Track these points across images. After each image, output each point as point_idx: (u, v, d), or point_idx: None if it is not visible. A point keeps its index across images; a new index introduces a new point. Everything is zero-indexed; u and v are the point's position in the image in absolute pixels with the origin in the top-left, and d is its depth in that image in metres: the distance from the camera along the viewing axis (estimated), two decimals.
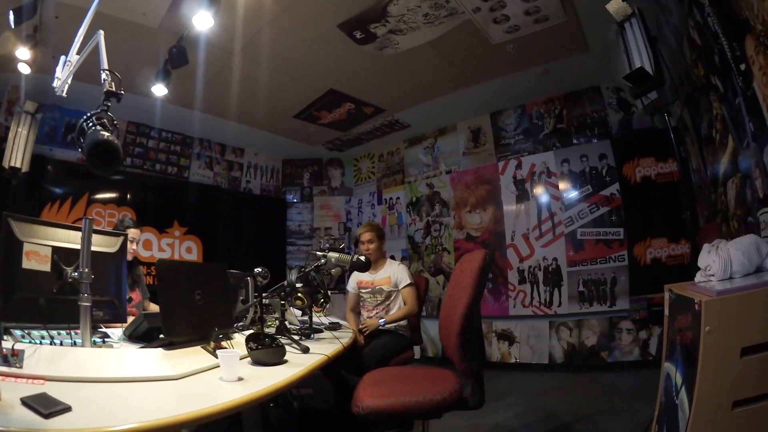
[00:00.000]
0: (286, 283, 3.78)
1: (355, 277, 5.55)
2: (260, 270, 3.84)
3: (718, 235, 4.45)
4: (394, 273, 5.40)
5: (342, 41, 6.29)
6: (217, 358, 2.27)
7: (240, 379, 2.11)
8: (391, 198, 10.50)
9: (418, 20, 5.89)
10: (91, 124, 2.43)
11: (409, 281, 5.31)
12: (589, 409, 5.39)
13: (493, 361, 8.22)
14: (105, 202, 8.22)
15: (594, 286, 7.49)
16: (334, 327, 4.43)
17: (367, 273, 5.43)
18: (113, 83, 2.61)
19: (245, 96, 7.74)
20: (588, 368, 7.28)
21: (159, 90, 6.43)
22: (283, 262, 10.74)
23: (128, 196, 8.54)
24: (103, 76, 2.61)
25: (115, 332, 2.96)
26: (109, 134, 2.38)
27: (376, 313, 5.33)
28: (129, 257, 4.92)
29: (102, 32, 2.84)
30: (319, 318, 4.62)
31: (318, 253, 4.02)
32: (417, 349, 7.80)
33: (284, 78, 7.31)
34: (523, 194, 8.40)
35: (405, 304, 5.29)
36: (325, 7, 5.65)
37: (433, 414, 2.89)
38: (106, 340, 2.71)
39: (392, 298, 5.36)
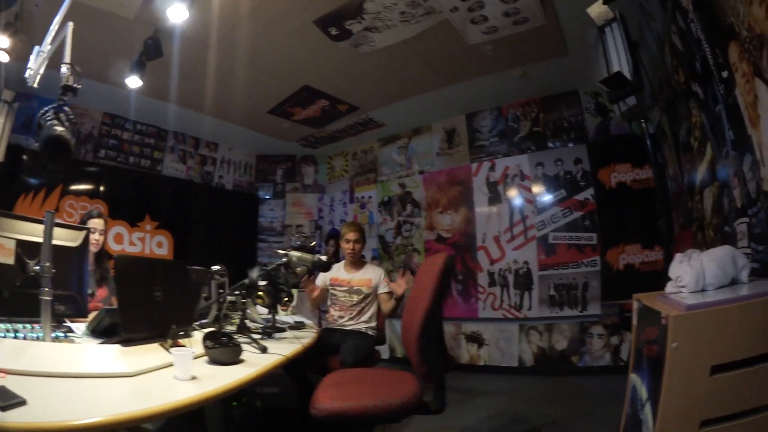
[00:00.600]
0: (247, 281, 3.75)
1: (329, 272, 5.38)
2: (218, 268, 3.78)
3: (694, 243, 4.46)
4: (375, 276, 5.35)
5: (317, 37, 6.23)
6: None
7: (193, 377, 2.11)
8: (363, 197, 10.47)
9: (395, 18, 5.84)
10: (48, 117, 2.47)
11: (390, 289, 5.28)
12: (557, 413, 5.38)
13: (462, 363, 8.22)
14: (78, 194, 8.13)
15: (565, 290, 7.50)
16: (298, 327, 4.35)
17: (344, 271, 5.42)
18: (71, 77, 2.62)
19: (220, 90, 7.66)
20: (558, 372, 7.31)
21: (133, 82, 6.42)
22: (254, 258, 10.64)
23: (101, 188, 8.45)
24: (63, 69, 2.64)
25: (80, 327, 2.94)
26: (63, 129, 2.42)
27: (350, 314, 5.24)
28: (94, 248, 4.86)
29: (71, 24, 2.82)
30: (283, 317, 4.57)
31: (280, 251, 4.03)
32: (386, 349, 7.79)
33: (259, 73, 7.25)
34: (495, 196, 8.39)
35: (382, 304, 5.28)
36: (300, 2, 5.59)
37: (392, 418, 2.93)
38: (68, 335, 2.69)
39: (368, 301, 5.29)
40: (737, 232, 3.41)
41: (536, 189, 8.00)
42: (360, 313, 5.26)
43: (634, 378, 2.90)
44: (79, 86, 2.65)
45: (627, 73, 4.16)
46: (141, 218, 8.92)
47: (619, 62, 4.22)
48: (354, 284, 5.31)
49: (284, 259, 3.91)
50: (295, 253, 3.93)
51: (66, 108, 2.55)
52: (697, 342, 2.11)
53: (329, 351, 4.74)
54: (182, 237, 9.45)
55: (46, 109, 2.48)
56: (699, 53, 3.77)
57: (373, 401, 2.75)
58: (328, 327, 5.29)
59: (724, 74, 3.35)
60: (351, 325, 5.20)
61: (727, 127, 3.43)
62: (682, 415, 2.11)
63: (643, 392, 2.57)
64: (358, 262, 5.47)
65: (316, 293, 5.33)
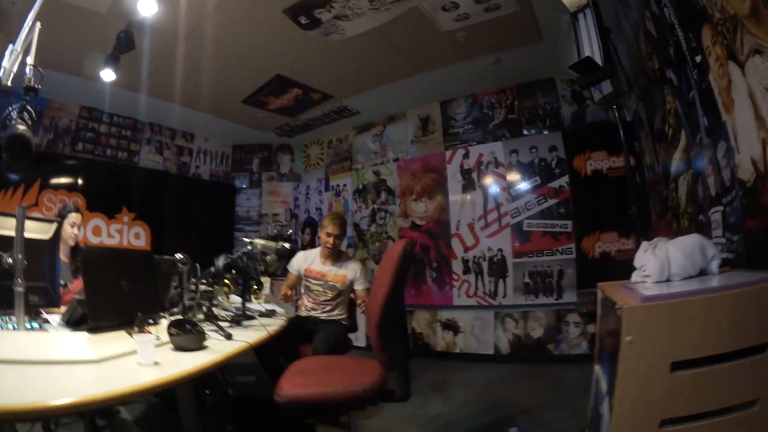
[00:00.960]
0: (213, 269, 3.82)
1: (304, 262, 5.42)
2: (181, 257, 3.76)
3: (670, 232, 4.44)
4: (351, 273, 5.30)
5: (288, 27, 6.18)
6: None
7: (156, 363, 2.17)
8: (338, 185, 10.47)
9: (364, 6, 5.79)
10: (13, 116, 2.58)
11: (367, 285, 5.28)
12: (531, 402, 5.39)
13: (438, 350, 8.27)
14: (56, 188, 8.14)
15: (540, 278, 7.51)
16: (268, 314, 4.32)
17: (319, 262, 5.38)
18: (33, 78, 2.72)
19: (194, 81, 7.63)
20: (534, 360, 7.33)
21: (108, 75, 6.37)
22: (230, 248, 10.48)
23: (79, 181, 8.47)
24: (26, 70, 2.74)
25: (56, 318, 3.07)
26: (24, 128, 2.54)
27: (322, 308, 5.24)
28: (71, 242, 5.04)
29: (39, 24, 2.90)
30: (255, 305, 4.55)
31: (245, 239, 4.12)
32: (363, 337, 7.78)
33: (231, 63, 7.23)
34: (469, 184, 8.38)
35: (357, 300, 5.27)
36: None
37: (354, 405, 3.08)
38: (43, 325, 2.83)
39: (341, 297, 5.28)
40: (712, 221, 3.40)
41: (511, 176, 7.99)
42: (333, 308, 5.26)
43: (597, 370, 2.86)
44: (39, 87, 2.75)
45: (598, 59, 4.12)
46: (118, 210, 8.91)
47: (591, 48, 4.19)
48: (329, 279, 5.28)
49: (248, 248, 3.98)
50: (259, 241, 4.04)
51: (29, 107, 2.64)
52: (655, 336, 1.98)
53: (302, 338, 4.75)
54: (160, 228, 9.43)
55: (10, 108, 2.57)
56: (673, 38, 3.77)
57: (334, 388, 2.83)
58: (299, 315, 5.28)
59: (698, 59, 3.34)
60: (323, 317, 5.19)
61: (701, 113, 3.43)
62: (638, 413, 2.00)
63: (604, 385, 2.52)
64: (335, 255, 5.40)
65: (290, 295, 5.32)
